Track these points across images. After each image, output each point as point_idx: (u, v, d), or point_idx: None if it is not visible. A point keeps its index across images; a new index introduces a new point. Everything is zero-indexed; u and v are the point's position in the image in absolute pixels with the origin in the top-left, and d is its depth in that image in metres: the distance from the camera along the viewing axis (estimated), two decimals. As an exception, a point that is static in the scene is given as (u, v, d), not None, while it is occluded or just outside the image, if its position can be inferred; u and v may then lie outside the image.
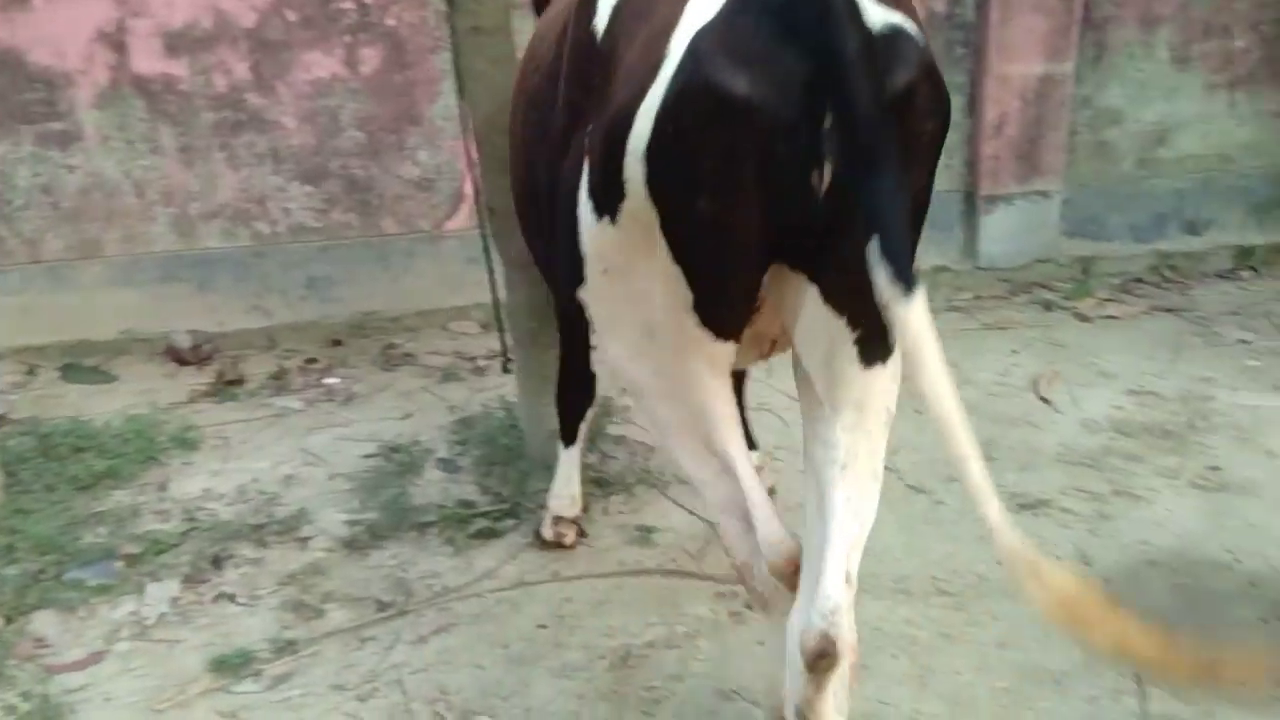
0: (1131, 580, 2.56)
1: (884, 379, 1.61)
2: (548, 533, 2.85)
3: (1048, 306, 4.45)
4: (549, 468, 3.17)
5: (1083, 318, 4.31)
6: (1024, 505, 2.93)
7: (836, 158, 1.31)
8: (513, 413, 3.48)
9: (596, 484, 3.13)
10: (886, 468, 3.14)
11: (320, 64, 4.21)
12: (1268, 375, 3.77)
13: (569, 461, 2.89)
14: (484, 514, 3.01)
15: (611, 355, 1.76)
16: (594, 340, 2.06)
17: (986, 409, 3.57)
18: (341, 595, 2.71)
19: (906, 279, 1.26)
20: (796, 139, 1.31)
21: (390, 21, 4.20)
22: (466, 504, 3.05)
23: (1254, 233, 4.85)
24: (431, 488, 3.21)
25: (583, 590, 2.67)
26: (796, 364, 1.69)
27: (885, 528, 2.86)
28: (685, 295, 1.53)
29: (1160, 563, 2.63)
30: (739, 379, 2.98)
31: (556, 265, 1.94)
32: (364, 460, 3.41)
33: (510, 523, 2.97)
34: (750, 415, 3.01)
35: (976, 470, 1.33)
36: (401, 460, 3.36)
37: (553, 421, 3.17)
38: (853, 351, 1.53)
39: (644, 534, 2.87)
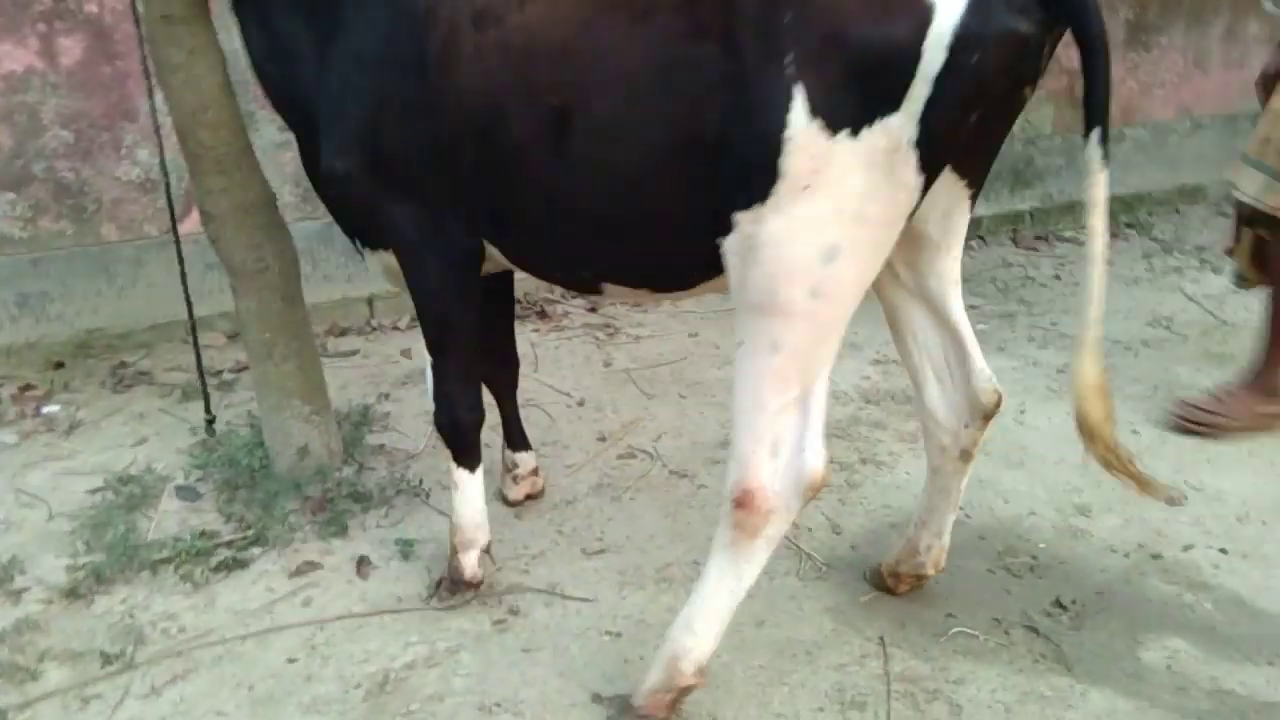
0: (876, 545, 2.69)
1: None
2: (469, 572, 2.53)
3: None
4: (299, 486, 2.98)
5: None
6: (780, 481, 3.02)
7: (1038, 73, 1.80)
8: (258, 427, 3.24)
9: (354, 499, 2.96)
10: (647, 454, 3.23)
11: (11, 56, 3.75)
12: (993, 337, 4.09)
13: (473, 486, 2.55)
14: (227, 543, 2.78)
15: (772, 273, 1.79)
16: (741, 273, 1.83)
17: (745, 387, 3.67)
18: (60, 652, 2.42)
19: (1108, 155, 1.74)
20: (1037, 61, 1.76)
21: (91, 7, 3.79)
22: (207, 534, 2.81)
23: (980, 205, 5.23)
24: (168, 520, 2.93)
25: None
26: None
27: (648, 514, 2.89)
28: (909, 202, 1.77)
29: (900, 525, 2.76)
30: (514, 377, 2.91)
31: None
32: (89, 496, 3.08)
33: (257, 551, 2.75)
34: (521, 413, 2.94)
35: (1096, 304, 1.81)
36: (132, 492, 3.06)
37: (300, 436, 2.99)
38: (967, 204, 2.09)
39: (405, 548, 2.74)
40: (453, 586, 2.51)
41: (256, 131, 4.05)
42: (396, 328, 4.39)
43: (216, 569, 2.69)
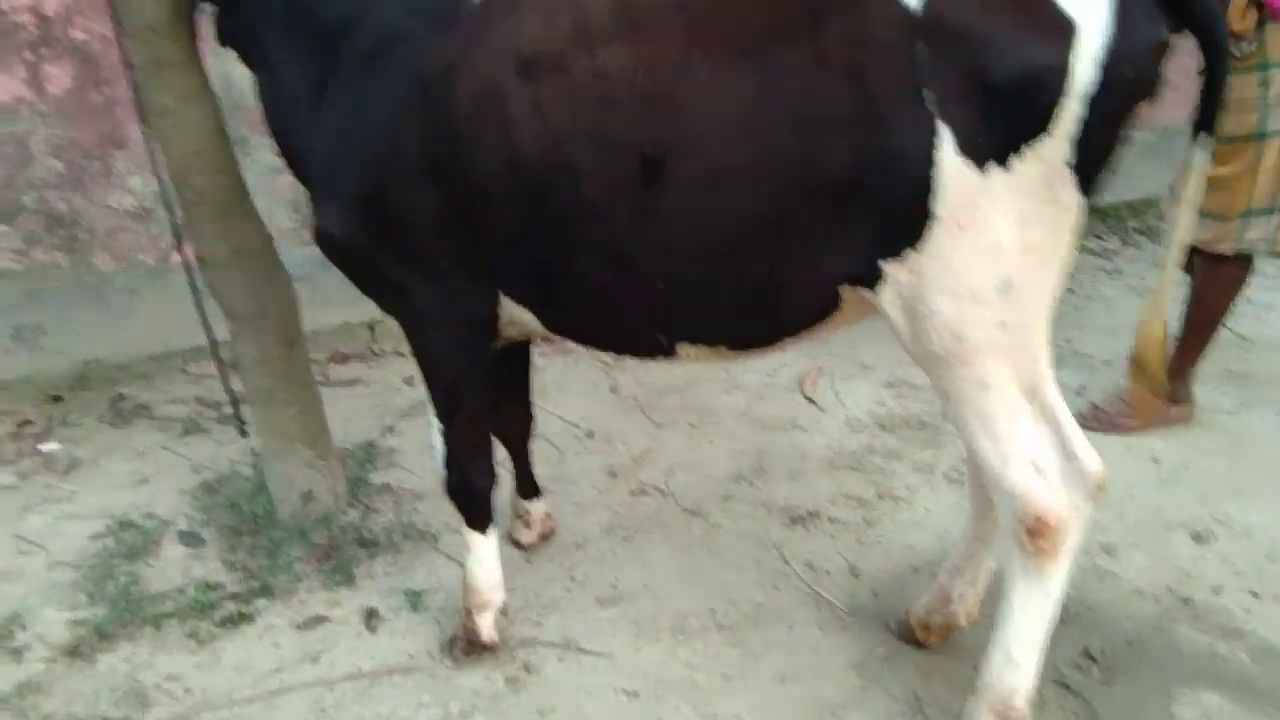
0: (899, 589, 2.62)
1: None
2: (485, 634, 2.44)
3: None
4: (304, 533, 2.92)
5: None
6: (795, 519, 2.96)
7: None
8: (262, 471, 3.17)
9: (361, 544, 2.89)
10: (659, 490, 3.16)
11: (-1, 85, 3.67)
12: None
13: (487, 548, 2.45)
14: (232, 596, 2.71)
15: (950, 319, 1.75)
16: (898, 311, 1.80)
17: (756, 415, 3.60)
18: (64, 716, 2.36)
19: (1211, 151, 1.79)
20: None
21: (78, 35, 3.70)
22: (211, 586, 2.74)
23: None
24: (171, 568, 2.87)
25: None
26: None
27: (662, 558, 2.82)
28: (1073, 221, 1.72)
29: (922, 568, 2.71)
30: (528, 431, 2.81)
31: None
32: (90, 542, 3.01)
33: (263, 603, 2.68)
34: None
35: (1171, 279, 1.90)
36: (134, 538, 2.99)
37: (304, 482, 2.92)
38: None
39: (414, 599, 2.67)
40: (467, 648, 2.44)
41: (250, 156, 3.97)
42: (399, 353, 4.31)
43: (222, 624, 2.62)
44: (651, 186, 1.80)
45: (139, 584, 2.79)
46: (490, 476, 2.41)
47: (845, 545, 2.83)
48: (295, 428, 2.84)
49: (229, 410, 3.83)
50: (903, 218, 1.70)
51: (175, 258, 4.07)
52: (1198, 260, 3.18)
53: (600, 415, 3.66)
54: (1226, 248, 3.09)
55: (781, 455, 3.33)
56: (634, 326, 2.07)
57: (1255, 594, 2.53)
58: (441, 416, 2.32)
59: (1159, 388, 1.96)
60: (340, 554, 2.85)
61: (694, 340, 2.03)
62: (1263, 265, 4.46)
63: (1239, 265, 3.17)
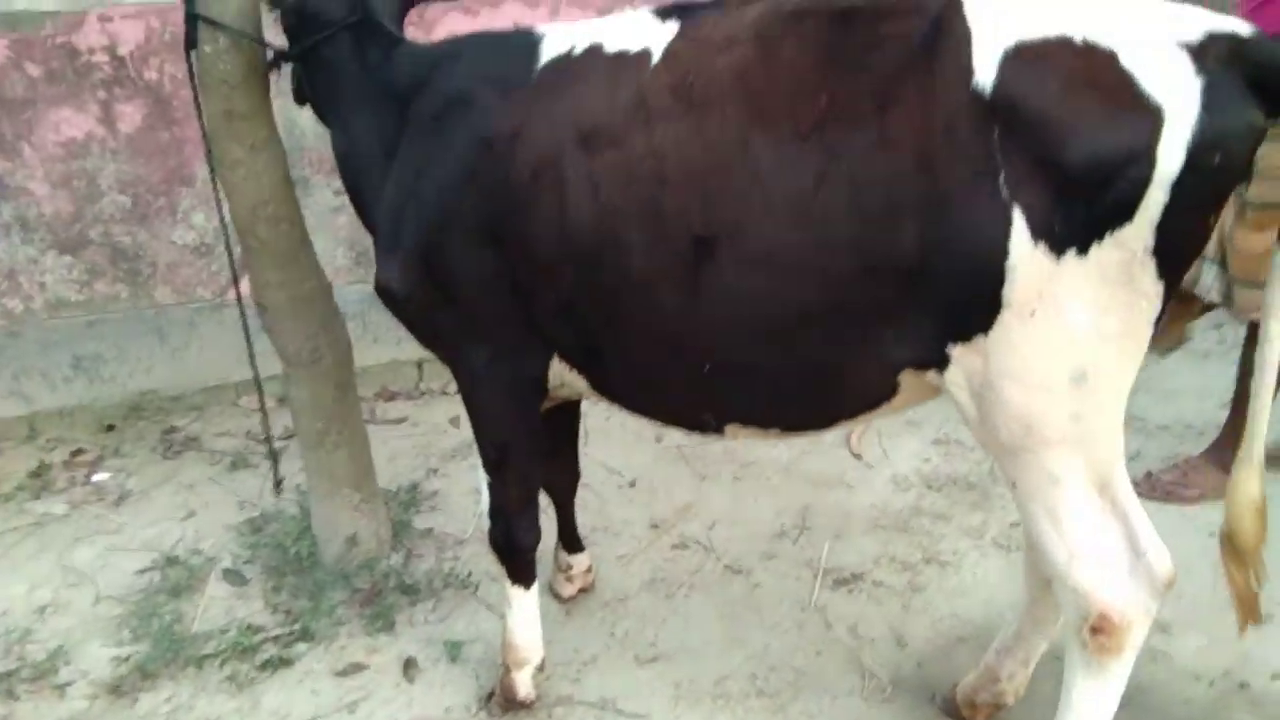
0: (944, 661, 2.57)
1: None
2: (522, 692, 2.42)
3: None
4: (347, 577, 2.93)
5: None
6: (839, 581, 2.91)
7: None
8: (307, 508, 3.20)
9: (402, 591, 2.90)
10: (701, 545, 3.13)
11: (71, 123, 3.78)
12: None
13: (528, 604, 2.44)
14: (274, 639, 2.73)
15: (1020, 409, 1.70)
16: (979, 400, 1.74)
17: (801, 470, 3.57)
18: (105, 756, 2.39)
19: None
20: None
21: (151, 75, 3.81)
22: (253, 628, 2.76)
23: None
24: (214, 607, 2.90)
25: (384, 725, 2.45)
26: None
27: (703, 616, 2.79)
28: (1152, 309, 1.64)
29: (969, 639, 2.65)
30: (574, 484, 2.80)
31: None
32: (137, 577, 3.06)
33: (303, 647, 2.70)
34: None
35: (1262, 417, 1.80)
36: (179, 575, 3.03)
37: (348, 525, 2.94)
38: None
39: (453, 650, 2.67)
40: (505, 704, 2.43)
41: (310, 196, 4.05)
42: (445, 392, 4.34)
43: (262, 667, 2.64)
44: (702, 267, 1.78)
45: (182, 622, 2.82)
46: (535, 533, 2.40)
47: (890, 611, 2.78)
48: (343, 471, 2.87)
49: (279, 444, 3.88)
50: (972, 304, 1.65)
51: (232, 294, 4.16)
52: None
53: (643, 464, 3.65)
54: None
55: (826, 512, 3.29)
56: (681, 404, 2.07)
57: (1320, 683, 2.44)
58: (489, 470, 2.33)
59: (1250, 581, 1.83)
60: (382, 600, 2.86)
61: (743, 422, 2.02)
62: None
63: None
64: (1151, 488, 3.26)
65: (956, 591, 2.86)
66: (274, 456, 3.14)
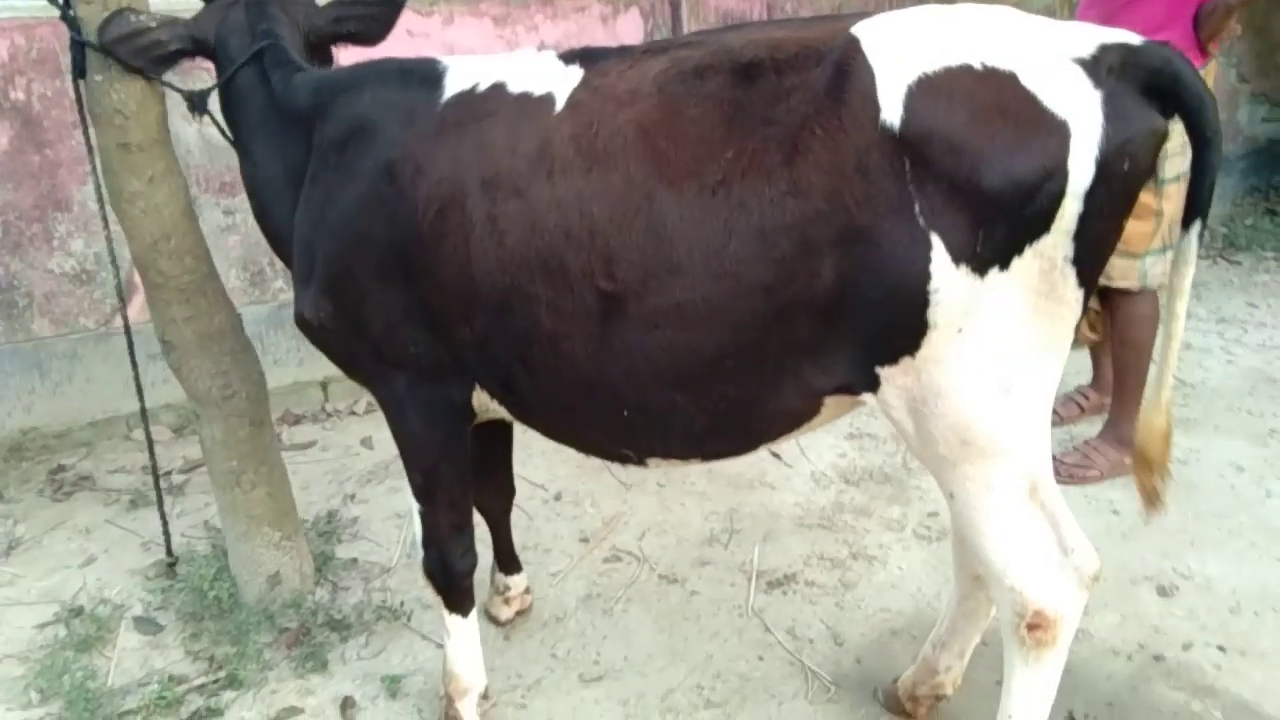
0: (881, 656, 2.64)
1: None
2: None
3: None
4: (271, 617, 2.82)
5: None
6: (773, 583, 2.96)
7: None
8: (220, 545, 3.07)
9: (331, 627, 2.81)
10: (634, 556, 3.14)
11: (-70, 147, 3.51)
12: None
13: (467, 632, 2.40)
14: (198, 688, 2.60)
15: (956, 423, 1.74)
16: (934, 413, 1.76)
17: (724, 473, 3.60)
18: (23, 832, 2.24)
19: (1201, 240, 1.71)
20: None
21: (18, 94, 3.56)
22: (175, 679, 2.63)
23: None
24: (129, 659, 2.74)
25: (327, 771, 2.37)
26: None
27: (643, 629, 2.79)
28: (1073, 316, 1.69)
29: (902, 631, 2.73)
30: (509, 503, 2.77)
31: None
32: (38, 632, 2.87)
33: (231, 695, 2.58)
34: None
35: (1170, 370, 1.81)
36: (86, 627, 2.85)
37: (270, 564, 2.83)
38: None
39: (391, 685, 2.60)
40: (451, 735, 2.38)
41: (199, 217, 3.85)
42: (354, 412, 4.22)
43: (189, 720, 2.51)
44: (610, 321, 1.79)
45: (96, 678, 2.66)
46: (471, 557, 2.36)
47: (825, 610, 2.84)
48: (262, 509, 2.75)
49: (178, 478, 3.71)
50: (897, 329, 1.70)
51: (118, 321, 3.93)
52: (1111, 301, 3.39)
53: (567, 476, 3.63)
54: (1133, 284, 3.29)
55: (753, 514, 3.33)
56: (600, 440, 2.08)
57: (1223, 649, 2.60)
58: (419, 497, 2.28)
59: (1165, 481, 1.95)
60: (311, 638, 2.76)
61: (664, 456, 2.04)
62: (1195, 308, 4.66)
63: (1149, 300, 3.35)
64: (1055, 471, 3.42)
65: (885, 585, 2.94)
66: (164, 519, 2.99)
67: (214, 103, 2.28)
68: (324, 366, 4.33)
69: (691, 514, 3.36)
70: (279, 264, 4.13)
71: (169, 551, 3.05)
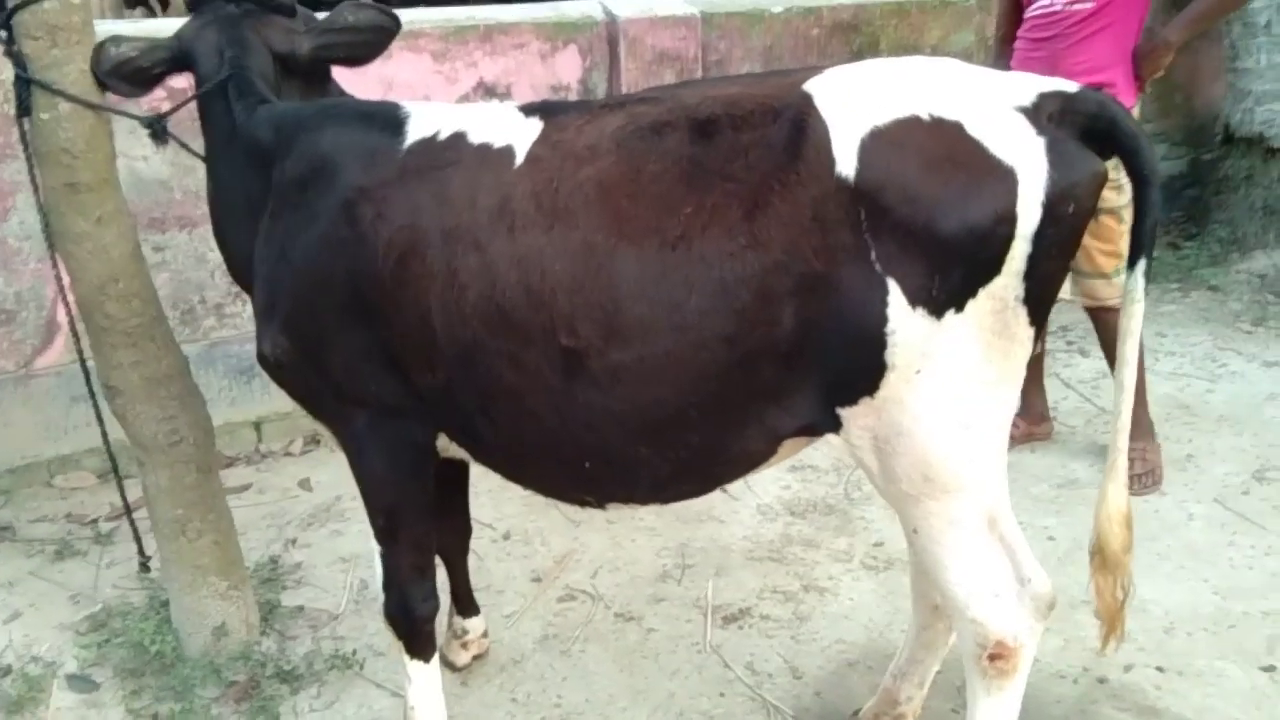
0: (839, 688, 2.68)
1: None
2: None
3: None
4: (217, 670, 2.72)
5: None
6: (728, 618, 2.98)
7: None
8: (157, 596, 2.95)
9: (281, 678, 2.72)
10: (588, 594, 3.12)
11: None
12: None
13: (429, 677, 2.36)
14: (142, 749, 2.50)
15: (918, 460, 1.79)
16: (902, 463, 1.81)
17: (672, 508, 3.60)
18: None
19: (1149, 277, 1.78)
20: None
21: (-69, 125, 3.41)
22: (117, 740, 2.52)
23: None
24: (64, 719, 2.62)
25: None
26: None
27: (602, 669, 2.78)
28: (1025, 352, 1.77)
29: (858, 662, 2.78)
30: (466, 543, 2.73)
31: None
32: (-38, 695, 2.71)
33: (179, 755, 2.49)
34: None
35: (1124, 433, 1.88)
36: (16, 687, 2.71)
37: (216, 615, 2.74)
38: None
39: (348, 738, 2.53)
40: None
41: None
42: (289, 453, 4.11)
43: (134, 783, 2.40)
44: (573, 376, 1.81)
45: (29, 742, 2.53)
46: (434, 601, 2.34)
47: (781, 644, 2.87)
48: (208, 559, 2.66)
49: (106, 525, 3.56)
50: (857, 370, 1.75)
51: (39, 361, 3.78)
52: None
53: (514, 514, 3.60)
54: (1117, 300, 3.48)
55: (703, 548, 3.35)
56: (563, 487, 2.12)
57: (1161, 669, 2.72)
58: (381, 538, 2.25)
59: (1118, 591, 1.96)
60: (260, 691, 2.67)
61: (626, 501, 2.08)
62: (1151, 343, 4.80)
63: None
64: None
65: (838, 616, 2.99)
66: (136, 535, 2.87)
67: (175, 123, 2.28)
68: (257, 406, 4.24)
69: (643, 550, 3.37)
70: (210, 301, 4.03)
71: (142, 562, 2.93)
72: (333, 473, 3.88)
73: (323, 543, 3.43)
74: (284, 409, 4.18)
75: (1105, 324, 3.60)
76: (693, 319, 1.73)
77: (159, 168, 3.79)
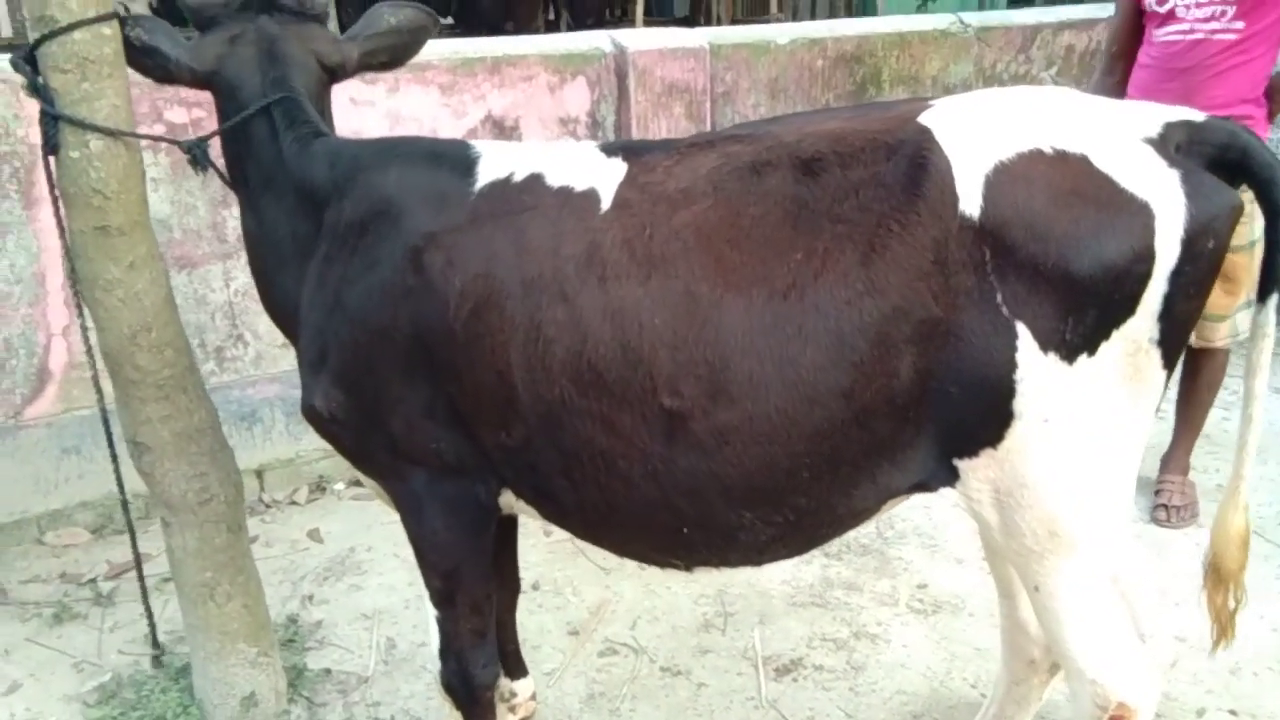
0: (908, 743, 2.56)
1: None
2: None
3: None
4: (248, 746, 2.53)
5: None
6: (780, 670, 2.85)
7: None
8: (170, 663, 2.76)
9: (313, 751, 2.54)
10: (629, 647, 2.98)
11: None
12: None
13: None
14: (171, 837, 2.30)
15: (1044, 514, 1.70)
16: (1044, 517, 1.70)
17: (704, 552, 3.49)
18: None
19: None
20: None
21: (-81, 166, 3.21)
22: (142, 827, 2.32)
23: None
24: (79, 806, 2.41)
25: None
26: None
27: (655, 731, 2.64)
28: (1156, 397, 1.69)
29: (923, 715, 2.66)
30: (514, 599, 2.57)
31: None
32: (-38, 781, 2.50)
33: (212, 842, 2.29)
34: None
35: (1249, 461, 1.80)
36: (23, 770, 2.50)
37: (245, 684, 2.56)
38: None
39: (395, 817, 2.36)
40: None
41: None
42: (294, 502, 3.92)
43: None
44: (674, 439, 1.68)
45: (43, 832, 2.32)
46: (495, 667, 2.19)
47: (840, 696, 2.75)
48: (237, 624, 2.48)
49: (105, 584, 3.34)
50: (980, 420, 1.65)
51: (29, 411, 3.57)
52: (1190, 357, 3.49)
53: (541, 563, 3.44)
54: (1226, 343, 3.43)
55: (742, 595, 3.23)
56: (648, 552, 1.98)
57: (1234, 713, 2.64)
58: (438, 602, 2.10)
59: (1240, 603, 1.93)
60: (294, 766, 2.49)
61: (717, 566, 1.95)
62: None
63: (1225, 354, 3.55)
64: (1166, 518, 3.55)
65: (894, 665, 2.87)
66: (148, 607, 2.68)
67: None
68: (258, 453, 4.04)
69: (680, 598, 3.23)
70: (210, 344, 3.85)
71: (155, 656, 2.75)
72: (343, 522, 3.72)
73: (341, 598, 3.25)
74: (286, 456, 4.02)
75: (1205, 365, 3.52)
76: (806, 374, 1.61)
77: (158, 206, 3.60)
